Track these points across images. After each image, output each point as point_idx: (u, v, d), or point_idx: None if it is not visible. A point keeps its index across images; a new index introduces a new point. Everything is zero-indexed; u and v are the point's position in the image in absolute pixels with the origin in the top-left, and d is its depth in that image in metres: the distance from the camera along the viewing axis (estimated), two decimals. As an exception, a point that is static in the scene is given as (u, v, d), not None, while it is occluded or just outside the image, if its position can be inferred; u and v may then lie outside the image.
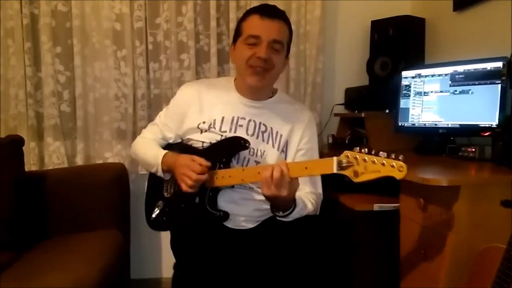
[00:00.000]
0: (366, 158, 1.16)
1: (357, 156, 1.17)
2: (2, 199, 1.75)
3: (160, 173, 1.58)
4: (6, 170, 1.79)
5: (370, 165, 1.15)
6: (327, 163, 1.23)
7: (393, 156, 1.13)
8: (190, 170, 1.44)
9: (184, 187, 1.46)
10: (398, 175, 1.11)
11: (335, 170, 1.20)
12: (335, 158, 1.21)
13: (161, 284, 2.40)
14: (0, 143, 1.83)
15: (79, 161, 2.25)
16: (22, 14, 2.15)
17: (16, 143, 1.87)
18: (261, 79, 1.52)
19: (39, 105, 2.24)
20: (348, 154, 1.19)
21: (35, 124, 2.22)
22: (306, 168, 1.30)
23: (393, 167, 1.12)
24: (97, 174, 2.08)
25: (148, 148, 1.64)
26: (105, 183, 2.03)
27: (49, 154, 2.23)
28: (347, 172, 1.18)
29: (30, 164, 2.19)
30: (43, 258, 1.68)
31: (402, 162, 1.11)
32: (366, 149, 1.18)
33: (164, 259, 2.41)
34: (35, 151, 2.21)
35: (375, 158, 1.14)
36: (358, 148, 1.19)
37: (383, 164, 1.13)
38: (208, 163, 1.45)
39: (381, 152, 1.15)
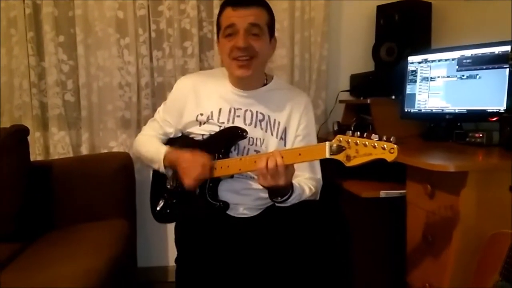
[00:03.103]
0: (358, 141, 1.15)
1: (349, 140, 1.16)
2: (7, 189, 1.76)
3: (162, 169, 1.57)
4: (12, 160, 1.80)
5: (361, 148, 1.14)
6: (319, 149, 1.23)
7: (384, 138, 1.11)
8: (192, 167, 1.44)
9: (186, 183, 1.46)
10: (389, 157, 1.10)
11: (327, 155, 1.20)
12: (327, 143, 1.20)
13: (167, 272, 2.41)
14: (5, 133, 1.83)
15: (84, 150, 2.25)
16: (25, 4, 2.14)
17: (21, 133, 1.87)
18: (247, 69, 1.49)
19: (43, 95, 2.24)
20: (341, 138, 1.18)
21: (40, 114, 2.22)
22: (300, 154, 1.29)
23: (384, 149, 1.10)
24: (102, 164, 2.08)
25: (150, 145, 1.64)
26: (110, 172, 2.03)
27: (54, 144, 2.24)
28: (340, 157, 1.18)
29: (36, 154, 2.19)
30: (49, 248, 1.68)
31: (393, 144, 1.09)
32: (358, 133, 1.16)
33: (170, 247, 2.42)
34: (40, 141, 2.22)
35: (366, 141, 1.13)
36: (350, 132, 1.18)
37: (374, 147, 1.12)
38: (210, 162, 1.45)
39: (373, 135, 1.13)
